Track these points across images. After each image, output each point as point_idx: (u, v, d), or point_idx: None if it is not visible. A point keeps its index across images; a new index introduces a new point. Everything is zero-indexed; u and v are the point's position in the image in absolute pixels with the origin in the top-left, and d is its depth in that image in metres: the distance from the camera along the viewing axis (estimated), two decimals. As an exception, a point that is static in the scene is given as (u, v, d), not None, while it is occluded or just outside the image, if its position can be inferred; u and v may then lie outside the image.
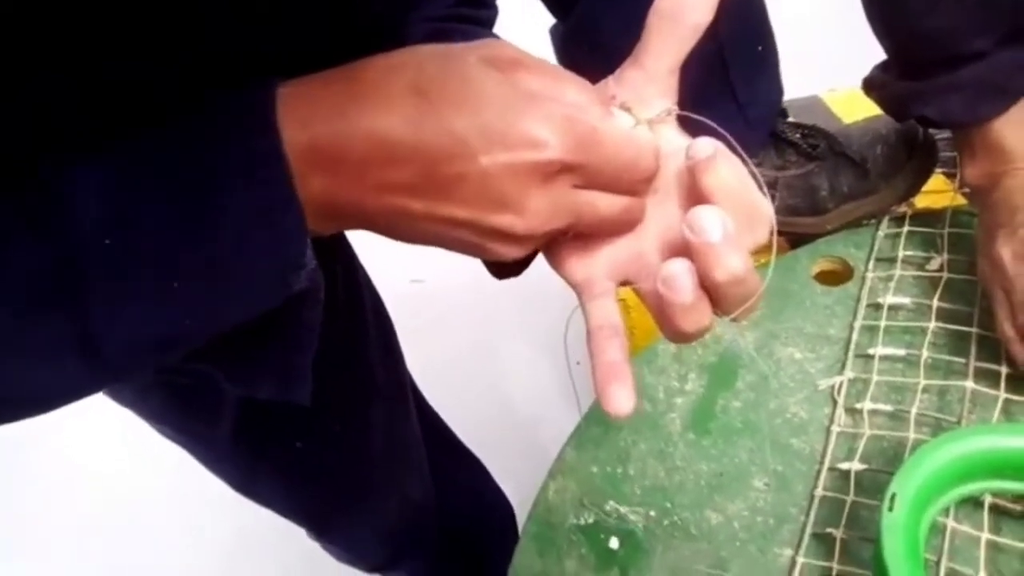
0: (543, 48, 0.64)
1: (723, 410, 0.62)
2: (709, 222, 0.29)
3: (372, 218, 0.31)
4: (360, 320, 0.64)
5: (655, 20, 0.33)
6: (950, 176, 0.73)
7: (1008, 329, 0.55)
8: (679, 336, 0.32)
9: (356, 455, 0.66)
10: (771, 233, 0.32)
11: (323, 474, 0.65)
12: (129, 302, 0.29)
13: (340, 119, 0.29)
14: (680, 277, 0.30)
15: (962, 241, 0.66)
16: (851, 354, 0.62)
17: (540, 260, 0.37)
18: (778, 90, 0.73)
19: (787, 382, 0.62)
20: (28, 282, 0.28)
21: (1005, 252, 0.54)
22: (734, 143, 0.32)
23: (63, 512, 1.38)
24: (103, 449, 1.41)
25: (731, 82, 0.66)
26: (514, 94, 0.29)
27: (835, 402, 0.60)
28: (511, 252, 0.31)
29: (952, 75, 0.56)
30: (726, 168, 0.31)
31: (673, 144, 0.33)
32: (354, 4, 0.38)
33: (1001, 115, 0.56)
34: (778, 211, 0.73)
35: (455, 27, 0.46)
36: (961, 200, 0.68)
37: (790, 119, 0.74)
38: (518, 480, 0.97)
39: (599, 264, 0.34)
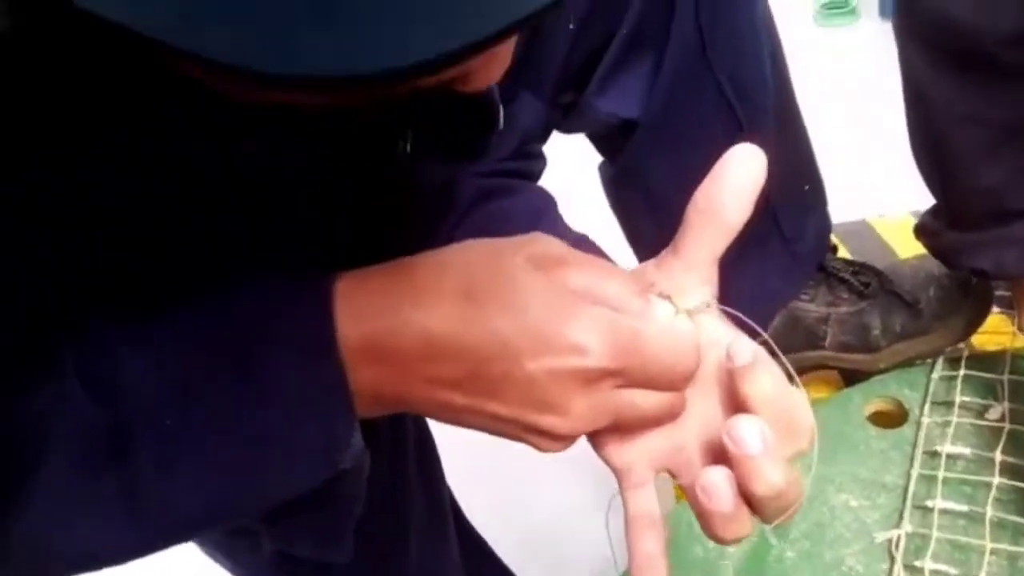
0: (592, 186, 0.65)
1: (777, 560, 0.60)
2: (748, 433, 0.29)
3: (417, 406, 0.33)
4: (402, 453, 0.64)
5: (692, 215, 0.33)
6: (1009, 315, 0.71)
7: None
8: (719, 541, 0.32)
9: None
10: (812, 441, 0.32)
11: None
12: (178, 472, 0.30)
13: (392, 316, 0.31)
14: (719, 486, 0.30)
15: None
16: (908, 505, 0.60)
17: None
18: (826, 225, 0.73)
19: (843, 532, 0.60)
20: (82, 442, 0.29)
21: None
22: (772, 344, 0.32)
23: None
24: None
25: (777, 221, 0.66)
26: (558, 297, 0.30)
27: (892, 558, 0.57)
28: (552, 447, 0.32)
29: (1004, 229, 0.56)
30: (765, 376, 0.31)
31: (714, 334, 0.33)
32: (406, 187, 0.40)
33: None
34: (829, 347, 0.72)
35: (503, 183, 0.49)
36: (1021, 342, 0.66)
37: (840, 255, 0.74)
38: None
39: (638, 452, 0.34)
